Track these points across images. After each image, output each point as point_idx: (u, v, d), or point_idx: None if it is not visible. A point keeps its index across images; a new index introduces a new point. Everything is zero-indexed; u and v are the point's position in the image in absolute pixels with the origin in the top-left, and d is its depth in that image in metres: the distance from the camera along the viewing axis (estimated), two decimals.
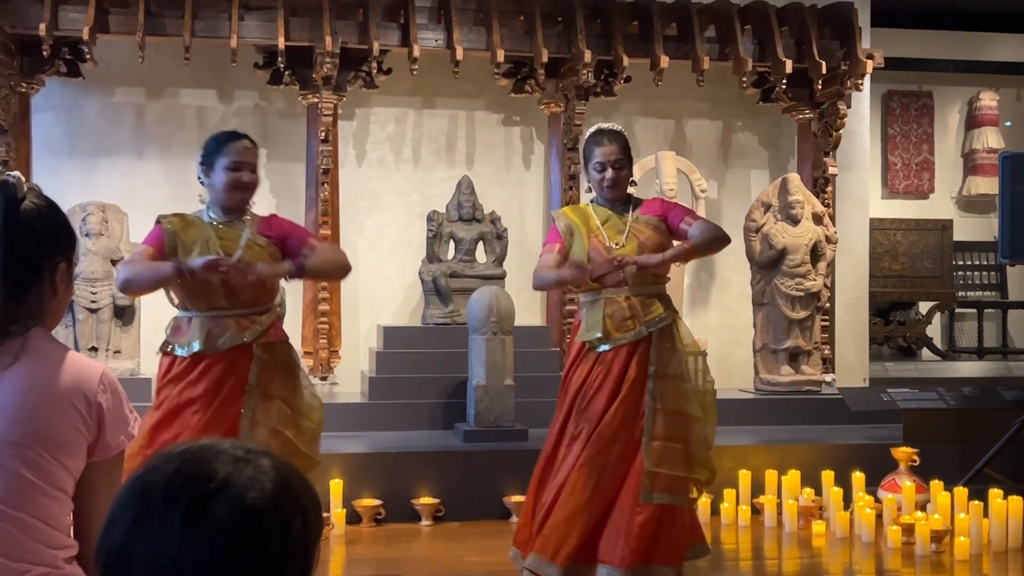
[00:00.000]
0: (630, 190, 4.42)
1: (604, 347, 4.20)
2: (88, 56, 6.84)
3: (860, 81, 7.53)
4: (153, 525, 1.11)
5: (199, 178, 3.98)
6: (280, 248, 3.92)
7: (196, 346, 3.80)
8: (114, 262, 6.75)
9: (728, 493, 5.91)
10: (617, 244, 4.23)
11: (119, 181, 7.33)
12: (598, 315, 4.22)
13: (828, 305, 7.53)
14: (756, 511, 5.92)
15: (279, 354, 3.90)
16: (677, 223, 4.27)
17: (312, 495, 1.20)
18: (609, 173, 4.27)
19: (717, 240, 4.25)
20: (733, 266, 8.07)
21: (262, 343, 3.85)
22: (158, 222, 3.92)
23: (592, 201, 4.41)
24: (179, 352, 3.84)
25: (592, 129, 4.43)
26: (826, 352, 7.56)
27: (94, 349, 6.63)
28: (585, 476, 4.12)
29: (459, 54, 7.05)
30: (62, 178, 7.11)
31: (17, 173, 1.96)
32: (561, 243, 4.30)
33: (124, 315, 6.79)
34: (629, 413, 4.16)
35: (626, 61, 7.25)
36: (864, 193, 8.44)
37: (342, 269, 4.08)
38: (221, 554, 1.10)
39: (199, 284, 3.75)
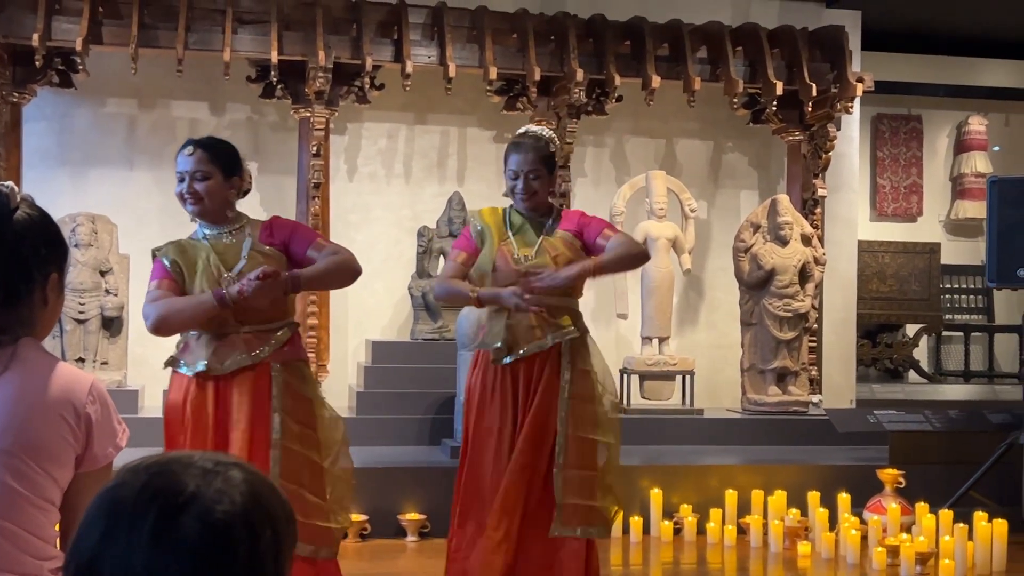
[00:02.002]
0: (554, 201, 4.14)
1: (507, 359, 3.95)
2: (81, 67, 6.84)
3: (850, 104, 7.57)
4: (122, 539, 1.11)
5: None
6: (286, 253, 3.63)
7: (201, 366, 3.53)
8: (103, 273, 6.75)
9: (714, 513, 5.91)
10: (526, 257, 3.97)
11: (110, 192, 7.32)
12: (500, 323, 3.95)
13: (816, 326, 7.56)
14: (742, 531, 5.92)
15: (300, 373, 3.62)
16: (593, 238, 3.99)
17: (284, 507, 1.19)
18: (520, 183, 4.00)
19: (630, 257, 4.00)
20: (722, 286, 8.10)
21: (281, 362, 3.56)
22: (154, 256, 3.68)
23: (511, 206, 4.12)
24: (184, 371, 3.57)
25: (518, 131, 4.17)
26: (813, 373, 7.58)
27: (81, 360, 6.61)
28: (498, 508, 3.88)
29: (452, 71, 7.07)
30: (53, 188, 7.11)
31: (10, 183, 1.96)
32: (470, 252, 4.04)
33: (112, 326, 6.78)
34: (535, 435, 3.91)
35: (618, 80, 7.28)
36: (853, 215, 8.48)
37: (347, 273, 3.61)
38: (189, 568, 1.09)
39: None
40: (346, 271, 3.60)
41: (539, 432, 3.91)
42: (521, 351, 3.94)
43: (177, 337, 3.70)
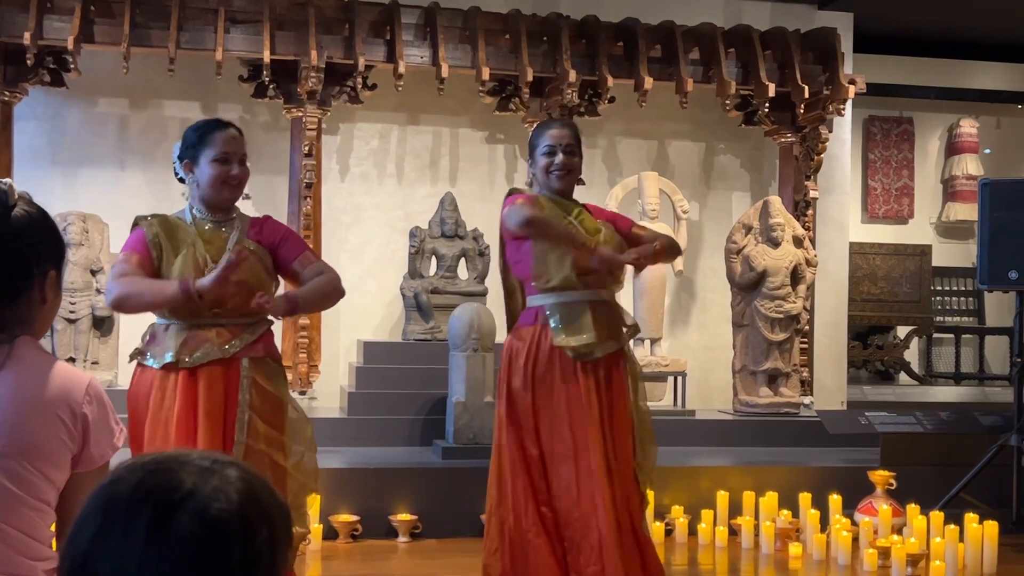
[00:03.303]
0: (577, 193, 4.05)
1: (596, 354, 3.79)
2: (72, 66, 6.82)
3: (842, 106, 7.59)
4: (117, 536, 1.11)
5: (177, 174, 3.57)
6: (272, 256, 3.55)
7: (168, 357, 3.40)
8: (94, 272, 6.74)
9: (706, 514, 5.91)
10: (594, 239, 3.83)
11: (101, 191, 7.31)
12: (586, 317, 3.78)
13: (807, 328, 7.57)
14: (733, 532, 5.92)
15: (270, 371, 3.55)
16: (627, 229, 3.98)
17: (280, 506, 1.19)
18: (559, 157, 3.86)
19: (676, 249, 4.05)
20: (714, 287, 8.11)
21: (251, 358, 3.48)
22: (136, 224, 3.52)
23: (540, 192, 3.95)
24: (150, 363, 3.45)
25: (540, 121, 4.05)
26: (805, 375, 7.59)
27: (72, 360, 6.59)
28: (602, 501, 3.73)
29: (444, 71, 7.07)
30: (44, 187, 7.08)
31: (8, 180, 1.96)
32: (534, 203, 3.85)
33: (103, 326, 6.76)
34: (617, 430, 3.84)
35: (610, 81, 7.28)
36: (844, 217, 8.50)
37: (336, 296, 3.63)
38: (185, 565, 1.09)
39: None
40: (335, 294, 3.61)
41: (620, 424, 3.86)
42: (609, 347, 3.84)
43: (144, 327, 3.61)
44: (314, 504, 5.59)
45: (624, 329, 3.95)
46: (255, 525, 1.13)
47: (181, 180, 3.59)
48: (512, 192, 4.02)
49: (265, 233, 3.59)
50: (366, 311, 7.71)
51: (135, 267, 3.41)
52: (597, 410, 3.78)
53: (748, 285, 7.26)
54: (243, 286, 3.41)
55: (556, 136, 3.89)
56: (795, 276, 7.26)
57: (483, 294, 7.16)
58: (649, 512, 5.90)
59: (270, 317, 3.56)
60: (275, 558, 1.15)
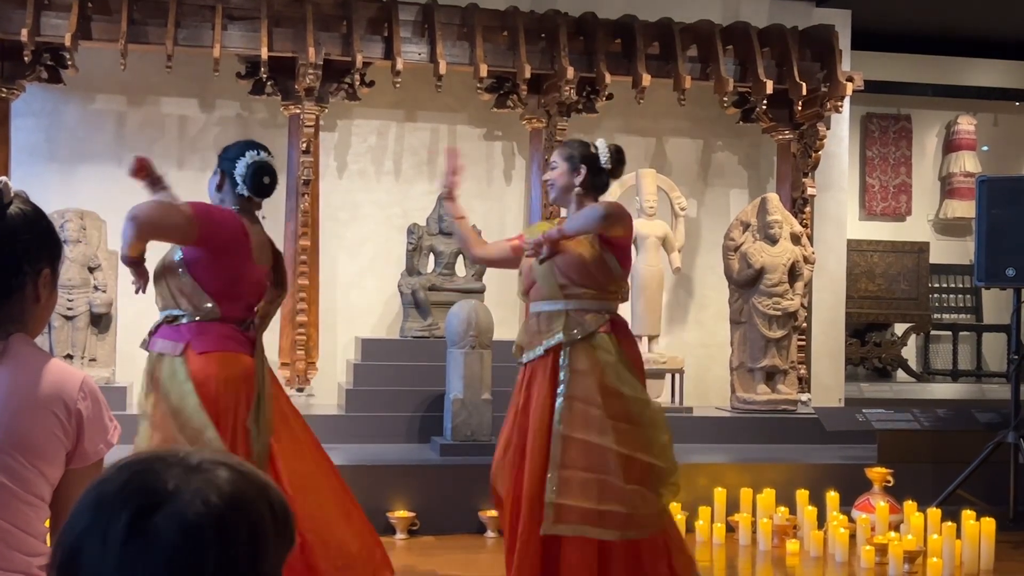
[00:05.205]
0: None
1: (523, 359, 4.23)
2: (70, 62, 6.82)
3: (840, 103, 7.59)
4: (100, 534, 1.11)
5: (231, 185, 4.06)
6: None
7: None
8: (92, 269, 6.73)
9: (703, 511, 5.92)
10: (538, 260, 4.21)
11: (98, 188, 7.29)
12: (522, 326, 4.35)
13: (805, 325, 7.57)
14: (731, 529, 5.92)
15: (162, 366, 3.82)
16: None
17: (274, 507, 1.17)
18: (544, 174, 4.39)
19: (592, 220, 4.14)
20: (711, 284, 8.11)
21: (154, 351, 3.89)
22: None
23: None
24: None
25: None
26: (802, 372, 7.60)
27: (69, 357, 6.59)
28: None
29: (442, 68, 7.07)
30: (41, 184, 7.08)
31: (4, 178, 1.95)
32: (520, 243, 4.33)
33: (100, 323, 6.76)
34: (528, 429, 4.11)
35: (608, 79, 7.28)
36: (842, 214, 8.50)
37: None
38: (159, 568, 1.09)
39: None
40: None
41: (539, 427, 4.07)
42: (527, 356, 4.19)
43: None
44: None
45: (557, 335, 4.09)
46: (234, 529, 1.12)
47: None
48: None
49: None
50: (364, 308, 7.71)
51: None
52: (519, 407, 4.17)
53: (746, 282, 7.26)
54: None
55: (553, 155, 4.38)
56: (793, 273, 7.26)
57: (481, 291, 7.16)
58: None
59: (173, 311, 3.87)
60: (258, 562, 1.14)
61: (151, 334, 3.88)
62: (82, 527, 1.13)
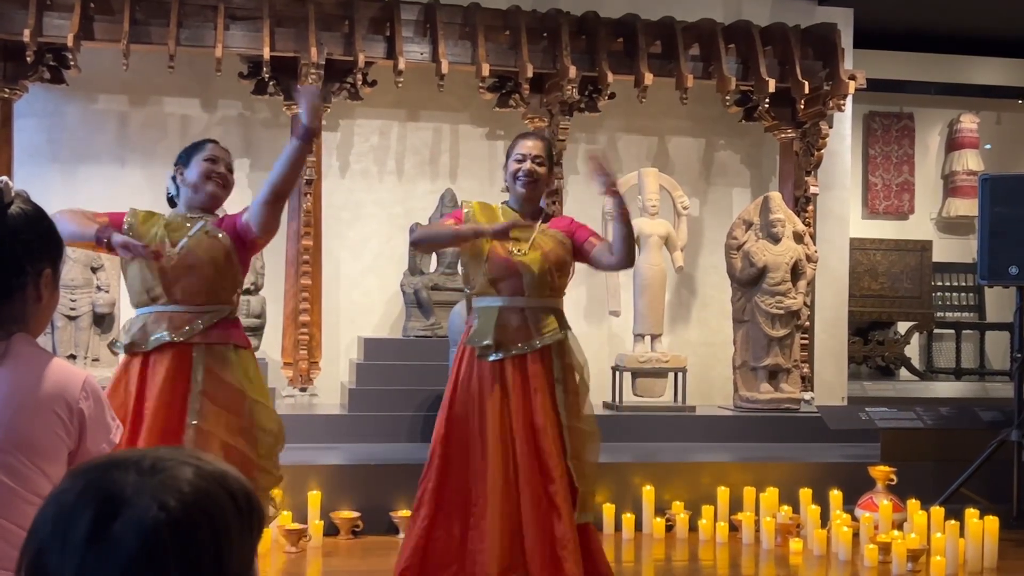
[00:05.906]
0: (544, 205, 4.37)
1: (495, 356, 4.09)
2: (72, 63, 6.82)
3: (842, 101, 7.58)
4: (59, 543, 1.10)
5: (171, 190, 3.85)
6: (233, 242, 3.72)
7: (126, 339, 3.65)
8: (94, 269, 6.74)
9: (706, 510, 5.91)
10: (519, 251, 4.12)
11: (101, 188, 7.30)
12: (490, 324, 4.09)
13: (808, 323, 7.57)
14: (734, 528, 5.92)
15: (224, 358, 3.64)
16: (582, 241, 4.20)
17: (238, 501, 1.15)
18: (527, 165, 4.16)
19: (631, 252, 4.18)
20: (714, 283, 8.11)
21: (204, 344, 3.62)
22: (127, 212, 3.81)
23: (504, 203, 4.30)
24: (118, 347, 3.72)
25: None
26: (805, 370, 7.59)
27: (72, 357, 6.60)
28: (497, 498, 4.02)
29: (444, 67, 7.07)
30: (43, 184, 7.08)
31: (5, 178, 1.96)
32: (460, 221, 4.20)
33: (103, 323, 6.76)
34: (526, 426, 4.07)
35: (610, 77, 7.28)
36: (844, 213, 8.50)
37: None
38: (118, 574, 1.09)
39: (132, 273, 3.69)
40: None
41: (527, 421, 4.07)
42: (513, 351, 4.10)
43: None
44: (314, 501, 5.61)
45: (544, 333, 4.13)
46: (194, 530, 1.10)
47: (174, 191, 3.85)
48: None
49: (226, 220, 3.79)
50: (366, 308, 7.71)
51: (91, 214, 3.65)
52: (498, 408, 4.07)
53: (748, 281, 7.26)
54: (194, 272, 3.64)
55: (528, 147, 4.22)
56: (795, 272, 7.26)
57: None
58: (650, 508, 5.93)
59: (231, 306, 3.75)
60: (222, 560, 1.13)
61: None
62: (43, 535, 1.12)
